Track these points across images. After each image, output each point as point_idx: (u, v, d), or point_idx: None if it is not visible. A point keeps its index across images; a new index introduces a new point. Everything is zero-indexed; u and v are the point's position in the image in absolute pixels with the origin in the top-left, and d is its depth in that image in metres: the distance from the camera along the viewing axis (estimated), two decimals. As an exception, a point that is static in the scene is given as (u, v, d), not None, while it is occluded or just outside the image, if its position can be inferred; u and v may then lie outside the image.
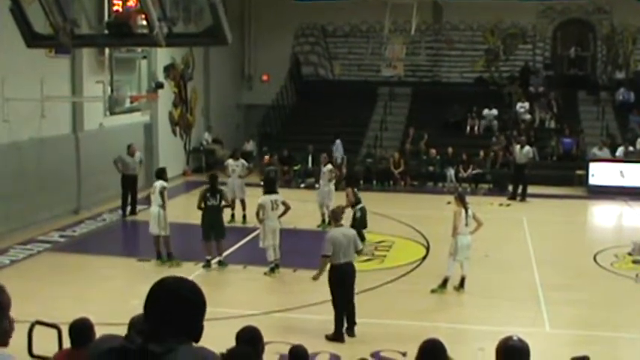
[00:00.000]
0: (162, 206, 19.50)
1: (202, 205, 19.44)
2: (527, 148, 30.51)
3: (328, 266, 14.51)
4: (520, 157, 30.27)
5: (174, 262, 19.43)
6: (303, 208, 23.83)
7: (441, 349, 6.73)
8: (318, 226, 23.90)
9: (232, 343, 8.06)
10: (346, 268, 14.44)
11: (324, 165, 24.97)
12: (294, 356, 9.18)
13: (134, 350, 3.56)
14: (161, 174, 20.28)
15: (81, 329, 7.86)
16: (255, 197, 19.72)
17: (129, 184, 25.37)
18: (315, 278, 14.84)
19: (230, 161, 25.42)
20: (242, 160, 25.43)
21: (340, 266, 14.35)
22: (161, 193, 19.53)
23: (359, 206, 21.19)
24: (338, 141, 33.38)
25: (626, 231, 24.94)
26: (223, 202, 19.66)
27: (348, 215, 21.42)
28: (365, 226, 20.85)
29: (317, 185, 26.04)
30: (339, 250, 14.36)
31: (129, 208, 25.49)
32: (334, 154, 32.42)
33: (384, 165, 32.97)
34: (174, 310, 3.61)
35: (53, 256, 20.78)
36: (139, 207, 25.25)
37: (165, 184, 19.91)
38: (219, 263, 19.43)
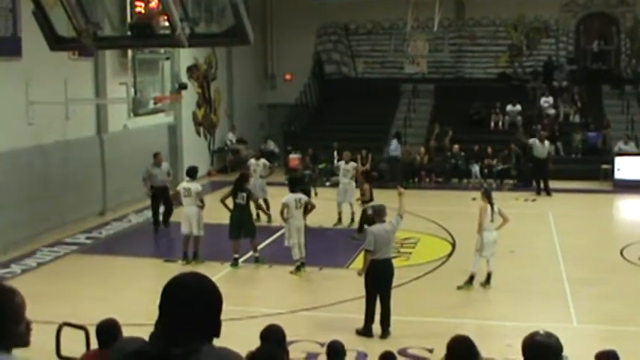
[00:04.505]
0: (201, 207, 19.80)
1: (226, 201, 19.77)
2: (547, 142, 30.44)
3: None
4: (542, 151, 30.16)
5: (199, 261, 19.54)
6: (328, 207, 23.80)
7: (472, 346, 6.68)
8: (335, 225, 23.93)
9: (258, 342, 8.08)
10: (384, 264, 14.61)
11: (347, 162, 24.85)
12: (332, 351, 9.23)
13: (156, 353, 3.50)
14: (193, 174, 20.51)
15: (108, 330, 7.89)
16: (280, 197, 19.72)
17: (158, 195, 24.05)
18: (360, 273, 14.87)
19: (252, 161, 25.46)
20: (263, 160, 25.42)
21: (378, 262, 14.47)
22: (200, 199, 19.79)
23: (371, 204, 21.28)
24: (394, 140, 33.23)
25: (653, 225, 24.80)
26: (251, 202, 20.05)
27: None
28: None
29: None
30: (379, 246, 14.50)
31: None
32: (392, 153, 32.66)
33: (409, 160, 32.85)
34: (195, 308, 3.52)
35: (80, 257, 20.88)
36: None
37: (200, 187, 20.21)
38: (256, 260, 19.63)
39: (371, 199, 21.84)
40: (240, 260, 19.52)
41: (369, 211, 21.10)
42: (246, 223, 19.64)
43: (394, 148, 32.59)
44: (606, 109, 36.28)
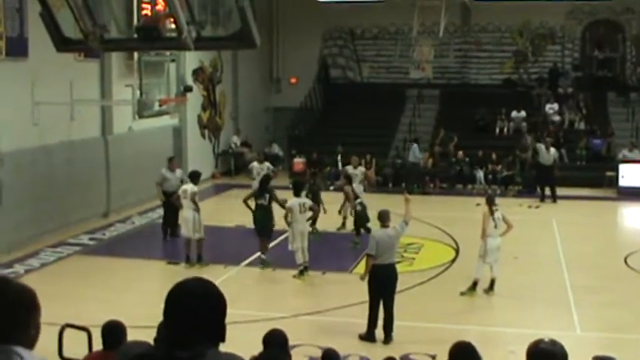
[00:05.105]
0: (197, 210, 19.77)
1: (248, 201, 20.09)
2: (552, 149, 30.41)
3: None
4: (548, 158, 30.13)
5: (203, 264, 19.55)
6: (333, 211, 23.76)
7: (474, 352, 6.67)
8: (338, 229, 23.90)
9: (260, 346, 8.07)
10: (388, 269, 14.62)
11: (355, 167, 24.79)
12: (326, 359, 9.21)
13: (161, 357, 3.50)
14: (194, 177, 20.48)
15: (113, 331, 7.90)
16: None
17: (170, 202, 21.88)
18: (362, 278, 14.85)
19: (255, 164, 25.51)
20: (267, 164, 25.49)
21: (381, 267, 14.47)
22: (192, 199, 19.74)
23: (358, 200, 22.00)
24: (415, 145, 33.22)
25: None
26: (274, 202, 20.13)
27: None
28: (368, 220, 21.02)
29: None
30: (382, 251, 14.48)
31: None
32: (409, 158, 32.76)
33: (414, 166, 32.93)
34: (200, 313, 3.52)
35: (83, 259, 20.88)
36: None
37: (195, 188, 20.11)
38: (261, 262, 19.71)
39: (356, 198, 22.10)
40: (243, 263, 19.55)
41: (359, 207, 21.50)
42: (265, 224, 19.87)
43: (416, 153, 32.61)
44: (611, 117, 36.24)
